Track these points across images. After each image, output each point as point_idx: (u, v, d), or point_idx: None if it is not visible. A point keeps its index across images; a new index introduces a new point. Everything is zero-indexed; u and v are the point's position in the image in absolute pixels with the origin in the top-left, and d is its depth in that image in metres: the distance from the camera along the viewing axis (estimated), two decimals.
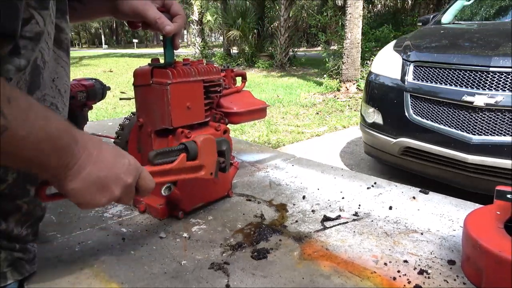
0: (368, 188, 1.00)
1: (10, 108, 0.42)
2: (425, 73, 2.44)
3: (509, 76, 2.07)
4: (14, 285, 0.58)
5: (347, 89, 6.87)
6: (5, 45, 0.46)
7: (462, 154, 2.12)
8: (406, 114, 2.44)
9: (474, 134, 2.11)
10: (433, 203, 0.90)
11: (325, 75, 8.18)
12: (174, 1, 0.76)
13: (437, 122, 2.29)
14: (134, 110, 0.89)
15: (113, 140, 0.93)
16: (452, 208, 0.87)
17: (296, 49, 12.40)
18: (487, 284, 0.58)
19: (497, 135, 2.05)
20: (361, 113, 2.94)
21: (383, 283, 0.61)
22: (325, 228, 0.79)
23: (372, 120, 2.72)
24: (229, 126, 0.94)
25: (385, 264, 0.66)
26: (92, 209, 0.73)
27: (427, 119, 2.34)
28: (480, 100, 2.09)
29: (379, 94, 2.75)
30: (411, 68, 2.53)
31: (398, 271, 0.64)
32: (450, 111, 2.24)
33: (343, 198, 0.93)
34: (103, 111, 5.16)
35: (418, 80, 2.47)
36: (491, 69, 2.13)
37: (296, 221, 0.82)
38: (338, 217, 0.84)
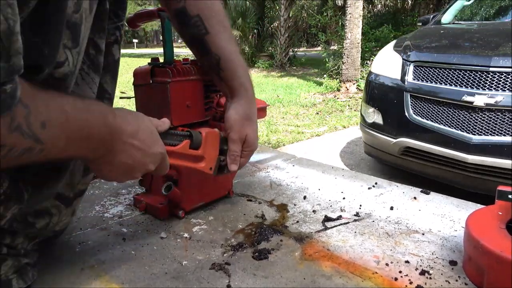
0: (369, 188, 1.00)
1: (46, 133, 0.43)
2: (425, 73, 2.44)
3: (509, 76, 2.07)
4: None
5: (347, 89, 6.87)
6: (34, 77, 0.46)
7: (462, 154, 2.12)
8: (406, 114, 2.44)
9: (474, 134, 2.11)
10: (434, 203, 0.90)
11: (325, 75, 8.18)
12: (252, 134, 0.79)
13: (437, 122, 2.29)
14: (134, 109, 0.89)
15: None
16: (454, 209, 0.87)
17: (296, 49, 12.40)
18: (488, 285, 0.58)
19: (497, 135, 2.05)
20: (361, 113, 2.94)
21: (384, 284, 0.61)
22: (326, 228, 0.79)
23: (372, 120, 2.72)
24: None
25: (387, 264, 0.66)
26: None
27: (427, 119, 2.34)
28: (480, 100, 2.09)
29: (379, 94, 2.75)
30: (411, 68, 2.53)
31: (400, 272, 0.64)
32: (450, 111, 2.24)
33: (344, 198, 0.93)
34: None
35: (418, 80, 2.47)
36: (491, 69, 2.13)
37: (297, 222, 0.82)
38: (339, 217, 0.83)
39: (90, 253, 0.70)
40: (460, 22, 3.33)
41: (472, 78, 2.19)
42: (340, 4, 10.71)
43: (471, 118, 2.13)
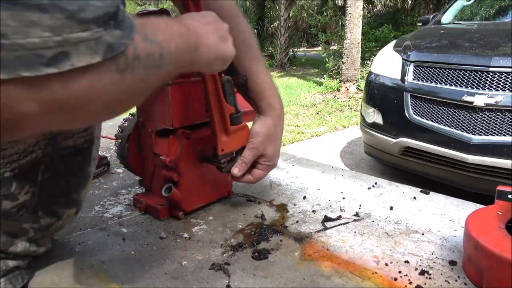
0: (368, 188, 1.00)
1: (159, 37, 0.44)
2: (425, 73, 2.45)
3: (509, 76, 2.07)
4: None
5: (347, 89, 6.87)
6: None
7: (462, 154, 2.12)
8: (406, 114, 2.44)
9: (474, 134, 2.11)
10: (434, 203, 0.90)
11: (325, 75, 8.18)
12: (272, 150, 0.81)
13: (437, 122, 2.30)
14: (133, 111, 0.89)
15: (113, 141, 0.93)
16: (453, 209, 0.87)
17: (296, 49, 12.41)
18: (488, 285, 0.58)
19: (497, 135, 2.06)
20: (361, 113, 2.94)
21: (384, 284, 0.61)
22: (325, 228, 0.79)
23: (372, 120, 2.72)
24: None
25: (386, 264, 0.66)
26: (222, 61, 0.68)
27: (427, 119, 2.35)
28: (480, 100, 2.09)
29: (379, 94, 2.75)
30: (411, 68, 2.53)
31: (399, 272, 0.64)
32: (450, 111, 2.25)
33: (343, 198, 0.93)
34: None
35: (418, 80, 2.47)
36: (491, 69, 2.13)
37: (297, 222, 0.82)
38: (339, 217, 0.83)
39: (89, 253, 0.70)
40: (460, 22, 3.34)
41: (472, 78, 2.19)
42: (340, 4, 10.71)
43: (471, 118, 2.14)
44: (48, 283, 0.62)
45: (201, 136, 0.83)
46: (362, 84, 5.66)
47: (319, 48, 10.78)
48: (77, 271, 0.65)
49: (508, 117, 2.03)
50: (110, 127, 1.58)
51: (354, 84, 6.89)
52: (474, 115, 2.12)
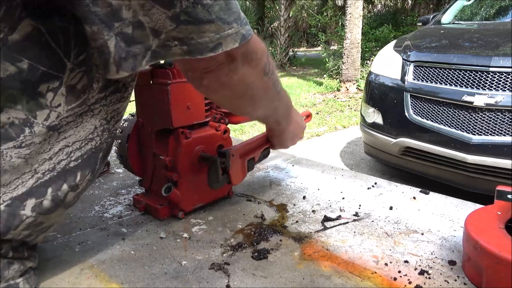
0: (368, 188, 1.00)
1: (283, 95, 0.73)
2: (425, 73, 2.45)
3: (509, 76, 2.07)
4: None
5: (347, 89, 6.87)
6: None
7: (462, 154, 2.12)
8: (406, 114, 2.44)
9: (474, 134, 2.11)
10: (434, 203, 0.90)
11: (325, 75, 8.18)
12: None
13: (437, 122, 2.30)
14: (133, 110, 0.89)
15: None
16: (453, 208, 0.87)
17: (296, 49, 12.40)
18: (487, 285, 0.58)
19: (497, 135, 2.06)
20: (361, 113, 2.94)
21: (383, 284, 0.61)
22: (325, 228, 0.79)
23: (372, 120, 2.72)
24: (229, 126, 0.94)
25: (386, 264, 0.66)
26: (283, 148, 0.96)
27: (427, 119, 2.35)
28: (480, 100, 2.09)
29: (379, 94, 2.75)
30: (411, 68, 2.53)
31: (399, 272, 0.64)
32: (450, 111, 2.25)
33: (343, 198, 0.93)
34: None
35: (418, 80, 2.47)
36: (491, 69, 2.13)
37: (297, 222, 0.82)
38: (339, 217, 0.83)
39: (89, 253, 0.70)
40: (460, 22, 3.34)
41: (472, 78, 2.19)
42: (340, 4, 10.72)
43: (471, 118, 2.14)
44: (48, 283, 0.62)
45: (201, 136, 0.83)
46: (362, 84, 5.66)
47: (319, 48, 10.77)
48: (77, 271, 0.65)
49: (508, 117, 2.03)
50: None
51: (354, 84, 6.89)
52: (474, 115, 2.12)
